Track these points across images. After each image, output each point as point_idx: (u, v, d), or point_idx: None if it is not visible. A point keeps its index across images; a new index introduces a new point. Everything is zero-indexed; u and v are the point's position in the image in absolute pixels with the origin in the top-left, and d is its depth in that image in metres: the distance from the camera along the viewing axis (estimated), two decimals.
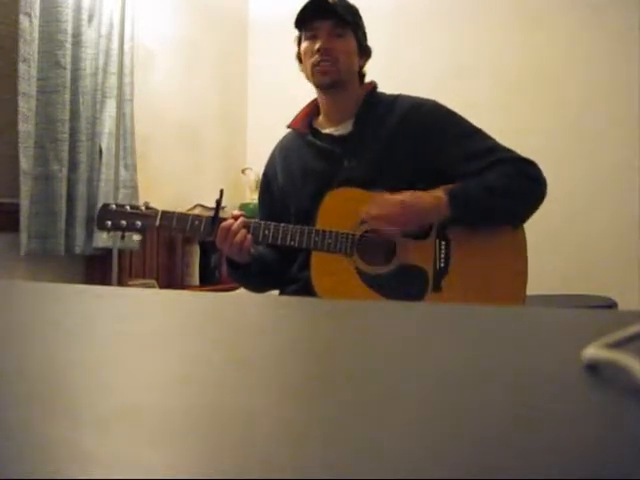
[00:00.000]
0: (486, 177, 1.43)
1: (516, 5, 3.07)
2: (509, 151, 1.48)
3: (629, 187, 2.83)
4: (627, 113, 2.85)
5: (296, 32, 1.57)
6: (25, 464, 0.19)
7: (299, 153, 1.58)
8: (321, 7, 1.49)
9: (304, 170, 1.56)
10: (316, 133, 1.59)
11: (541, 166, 1.47)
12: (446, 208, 1.40)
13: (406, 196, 1.41)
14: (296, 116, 1.63)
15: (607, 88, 2.90)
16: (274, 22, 3.40)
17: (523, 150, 1.49)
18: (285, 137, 1.66)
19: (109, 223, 1.48)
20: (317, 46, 1.50)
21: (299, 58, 1.57)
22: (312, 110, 1.62)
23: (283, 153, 1.63)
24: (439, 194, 1.41)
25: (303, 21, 1.53)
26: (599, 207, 2.88)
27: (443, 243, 1.44)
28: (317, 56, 1.50)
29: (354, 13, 1.56)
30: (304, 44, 1.54)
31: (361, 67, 1.59)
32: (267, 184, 1.66)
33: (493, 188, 1.42)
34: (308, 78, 1.55)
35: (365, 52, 1.58)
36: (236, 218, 1.46)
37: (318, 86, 1.55)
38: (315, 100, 1.62)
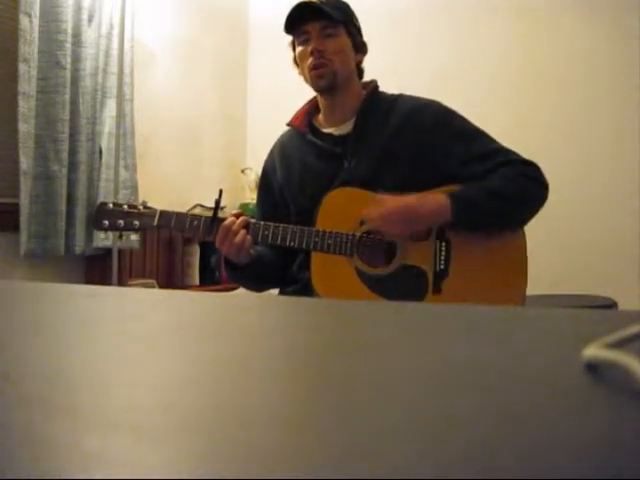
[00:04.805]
0: (489, 181, 1.42)
1: (516, 5, 3.07)
2: (512, 153, 1.48)
3: (629, 187, 2.83)
4: (627, 113, 2.85)
5: None
6: (26, 464, 0.19)
7: (299, 152, 1.57)
8: (307, 10, 1.48)
9: (304, 169, 1.55)
10: (316, 132, 1.58)
11: (541, 166, 1.47)
12: (448, 213, 1.39)
13: (409, 199, 1.40)
14: (296, 114, 1.62)
15: (607, 88, 2.90)
16: (274, 22, 3.38)
17: (523, 150, 1.49)
18: (285, 134, 1.65)
19: (106, 223, 1.46)
20: (310, 49, 1.48)
21: (296, 62, 1.56)
22: (312, 108, 1.61)
23: (282, 151, 1.62)
24: (441, 198, 1.40)
25: (292, 26, 1.51)
26: (599, 207, 2.88)
27: (443, 244, 1.44)
28: (311, 59, 1.48)
29: (344, 9, 1.54)
30: (298, 48, 1.52)
31: (358, 63, 1.57)
32: (266, 180, 1.65)
33: (495, 192, 1.41)
34: (306, 81, 1.54)
35: (361, 48, 1.56)
36: (237, 216, 1.45)
37: (317, 90, 1.54)
38: (315, 98, 1.61)
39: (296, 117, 1.61)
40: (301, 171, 1.55)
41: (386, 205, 1.39)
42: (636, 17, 2.85)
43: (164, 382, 0.32)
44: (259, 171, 1.76)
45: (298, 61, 1.54)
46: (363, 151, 1.50)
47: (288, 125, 1.62)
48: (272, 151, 1.66)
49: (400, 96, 1.57)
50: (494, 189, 1.41)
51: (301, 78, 1.57)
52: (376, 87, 1.59)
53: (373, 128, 1.51)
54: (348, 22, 1.53)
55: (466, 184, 1.43)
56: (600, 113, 2.90)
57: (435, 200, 1.41)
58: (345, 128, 1.54)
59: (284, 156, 1.61)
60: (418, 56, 3.21)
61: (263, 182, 1.67)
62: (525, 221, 1.45)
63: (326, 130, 1.57)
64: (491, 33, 3.10)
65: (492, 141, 1.49)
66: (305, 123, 1.59)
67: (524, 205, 1.45)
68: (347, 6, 1.56)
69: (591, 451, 0.22)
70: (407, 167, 1.46)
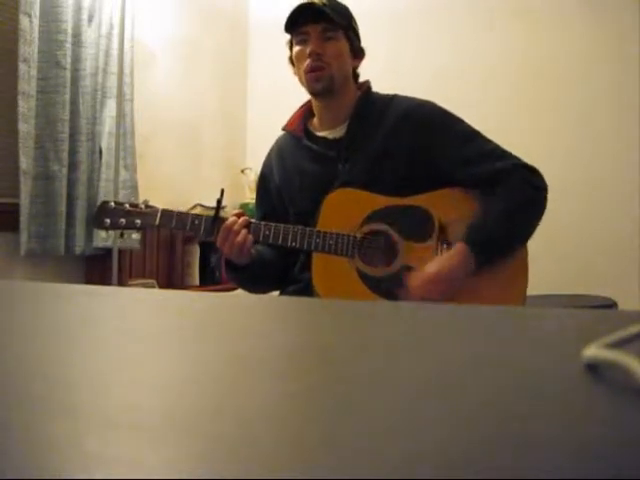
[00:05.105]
0: (493, 202, 1.42)
1: (516, 5, 3.07)
2: (509, 156, 1.47)
3: (629, 187, 2.83)
4: (627, 113, 2.86)
5: None
6: (26, 464, 0.19)
7: (294, 156, 1.57)
8: (310, 11, 1.47)
9: (301, 173, 1.55)
10: (311, 136, 1.58)
11: (541, 166, 1.47)
12: (471, 258, 1.39)
13: (442, 269, 1.39)
14: (291, 118, 1.61)
15: (607, 88, 2.90)
16: (274, 22, 3.38)
17: (522, 150, 1.49)
18: (281, 138, 1.65)
19: (108, 221, 1.46)
20: (308, 50, 1.47)
21: (292, 61, 1.55)
22: (306, 111, 1.61)
23: (280, 154, 1.62)
24: (459, 248, 1.39)
25: (292, 26, 1.50)
26: (599, 207, 2.88)
27: (444, 245, 1.44)
28: (309, 61, 1.47)
29: (345, 13, 1.53)
30: (295, 48, 1.51)
31: (354, 68, 1.56)
32: (264, 183, 1.65)
33: (507, 216, 1.41)
34: (301, 83, 1.53)
35: (358, 53, 1.55)
36: (238, 216, 1.44)
37: (312, 93, 1.54)
38: (309, 101, 1.60)
39: (291, 121, 1.61)
40: (298, 175, 1.55)
41: (422, 282, 1.40)
42: (636, 17, 2.85)
43: (164, 382, 0.32)
44: (259, 171, 1.76)
45: (294, 61, 1.53)
46: (356, 154, 1.49)
47: (284, 130, 1.62)
48: (270, 154, 1.66)
49: (395, 97, 1.56)
50: (501, 214, 1.41)
51: None
52: (369, 88, 1.58)
53: (366, 130, 1.50)
54: (348, 26, 1.52)
55: (477, 220, 1.42)
56: (600, 113, 2.90)
57: (455, 254, 1.40)
58: (339, 131, 1.54)
59: (281, 159, 1.61)
60: (418, 56, 3.21)
61: (261, 185, 1.67)
62: (534, 229, 1.46)
63: (320, 134, 1.57)
64: (491, 33, 3.10)
65: (489, 142, 1.49)
66: (301, 127, 1.59)
67: (530, 216, 1.45)
68: (347, 10, 1.55)
69: (591, 451, 0.22)
70: (403, 167, 1.46)
